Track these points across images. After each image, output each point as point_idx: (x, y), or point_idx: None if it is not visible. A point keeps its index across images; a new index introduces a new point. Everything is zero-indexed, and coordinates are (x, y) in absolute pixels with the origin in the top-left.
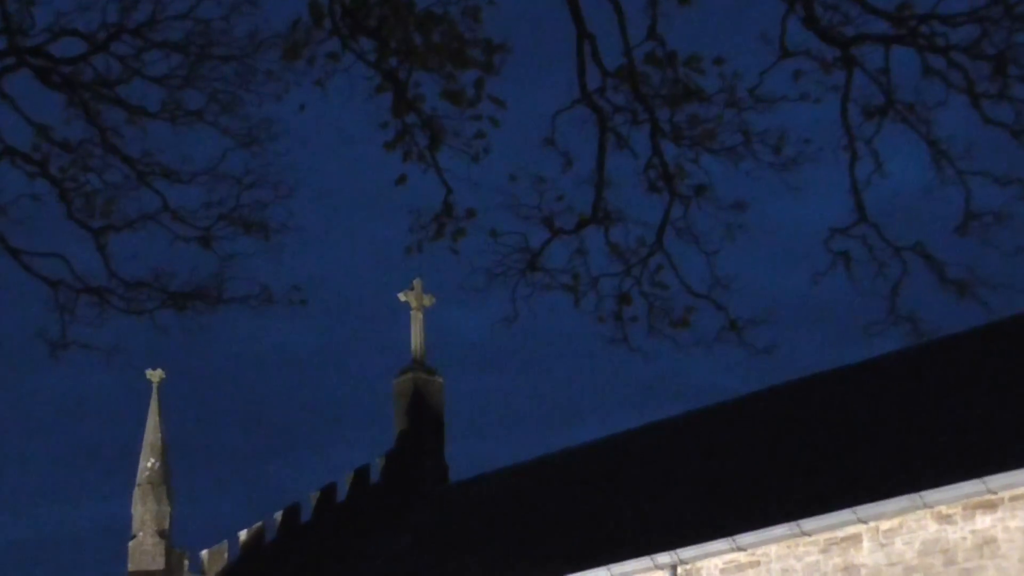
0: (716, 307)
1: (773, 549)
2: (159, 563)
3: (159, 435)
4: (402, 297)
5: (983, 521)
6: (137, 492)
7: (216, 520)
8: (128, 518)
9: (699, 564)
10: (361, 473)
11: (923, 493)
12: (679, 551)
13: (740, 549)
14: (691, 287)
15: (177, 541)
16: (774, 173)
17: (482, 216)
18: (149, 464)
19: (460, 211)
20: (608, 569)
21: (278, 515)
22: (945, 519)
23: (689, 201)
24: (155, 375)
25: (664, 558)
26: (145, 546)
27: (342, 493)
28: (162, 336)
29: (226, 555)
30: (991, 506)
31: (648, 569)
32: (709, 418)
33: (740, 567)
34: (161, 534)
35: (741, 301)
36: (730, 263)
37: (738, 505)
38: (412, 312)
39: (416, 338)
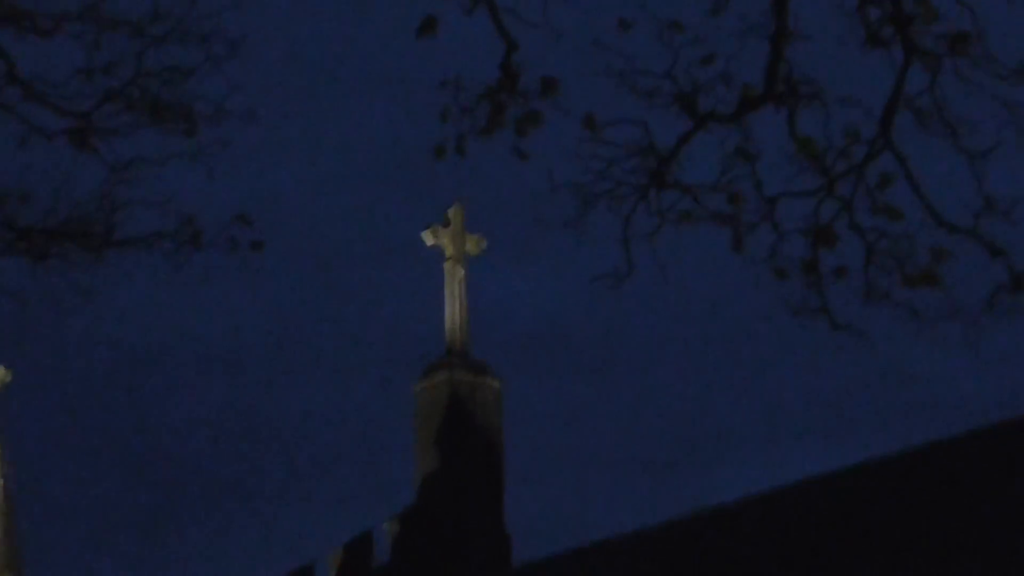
0: (988, 251)
1: None
2: None
3: (0, 483)
4: (429, 239)
5: None
6: None
7: None
8: None
9: None
10: (357, 548)
11: None
12: None
13: None
14: (942, 214)
15: None
16: None
17: (569, 92)
18: None
19: (531, 83)
20: None
21: None
22: None
23: (939, 63)
24: None
25: None
26: None
27: None
28: (8, 306)
29: None
30: None
31: None
32: (974, 448)
33: None
34: None
35: None
36: (1011, 175)
37: None
38: (446, 265)
39: (454, 311)
